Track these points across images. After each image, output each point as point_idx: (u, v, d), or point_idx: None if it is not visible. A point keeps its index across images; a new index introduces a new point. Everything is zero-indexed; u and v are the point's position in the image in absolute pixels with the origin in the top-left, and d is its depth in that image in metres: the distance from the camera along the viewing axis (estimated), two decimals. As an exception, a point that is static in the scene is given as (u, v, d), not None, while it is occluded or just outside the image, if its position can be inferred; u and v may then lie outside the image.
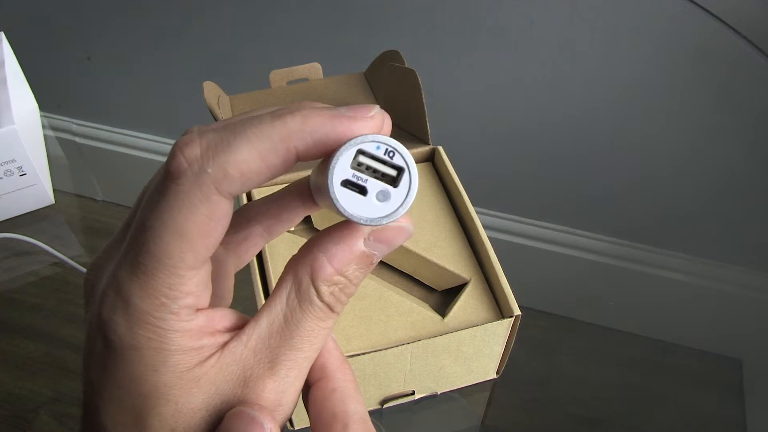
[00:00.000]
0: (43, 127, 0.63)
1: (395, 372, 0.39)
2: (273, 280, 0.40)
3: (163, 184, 0.18)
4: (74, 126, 0.64)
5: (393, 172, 0.19)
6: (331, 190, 0.19)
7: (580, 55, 0.76)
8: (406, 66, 0.50)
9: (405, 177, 0.19)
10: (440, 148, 0.49)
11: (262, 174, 0.18)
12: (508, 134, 0.66)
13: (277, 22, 0.79)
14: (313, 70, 0.57)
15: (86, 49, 0.75)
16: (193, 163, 0.18)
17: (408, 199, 0.19)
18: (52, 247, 0.51)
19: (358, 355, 0.36)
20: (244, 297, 0.42)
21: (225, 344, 0.20)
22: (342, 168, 0.19)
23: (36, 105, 0.63)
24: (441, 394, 0.43)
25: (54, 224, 0.55)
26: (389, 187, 0.19)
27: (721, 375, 0.46)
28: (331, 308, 0.20)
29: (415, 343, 0.37)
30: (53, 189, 0.57)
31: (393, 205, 0.19)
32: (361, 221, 0.19)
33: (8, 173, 0.51)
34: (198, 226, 0.18)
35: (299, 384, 0.21)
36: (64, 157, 0.61)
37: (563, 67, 0.74)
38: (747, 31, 0.75)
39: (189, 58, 0.75)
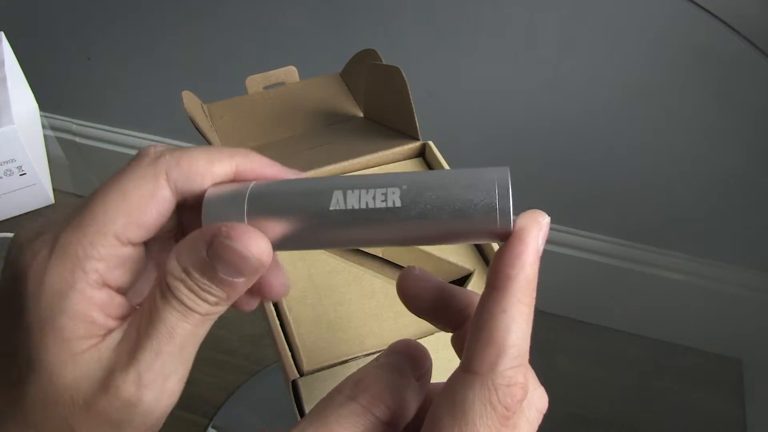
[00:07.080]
0: (43, 127, 0.63)
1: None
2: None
3: (126, 164, 0.21)
4: (74, 126, 0.64)
5: None
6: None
7: (579, 55, 0.76)
8: (384, 63, 0.49)
9: None
10: (431, 143, 0.49)
11: (206, 177, 0.21)
12: (508, 134, 0.66)
13: (282, 23, 0.79)
14: (289, 73, 0.56)
15: (86, 49, 0.75)
16: (155, 153, 0.21)
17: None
18: (52, 247, 0.51)
19: (374, 353, 0.36)
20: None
21: (103, 337, 0.20)
22: None
23: (36, 105, 0.63)
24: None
25: (54, 224, 0.55)
26: None
27: (721, 375, 0.46)
28: (184, 304, 0.20)
29: (427, 337, 0.37)
30: (53, 189, 0.57)
31: None
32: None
33: (8, 173, 0.51)
34: (139, 198, 0.20)
35: (161, 382, 0.20)
36: (64, 157, 0.61)
37: (563, 67, 0.74)
38: (747, 31, 0.76)
39: (189, 58, 0.75)
